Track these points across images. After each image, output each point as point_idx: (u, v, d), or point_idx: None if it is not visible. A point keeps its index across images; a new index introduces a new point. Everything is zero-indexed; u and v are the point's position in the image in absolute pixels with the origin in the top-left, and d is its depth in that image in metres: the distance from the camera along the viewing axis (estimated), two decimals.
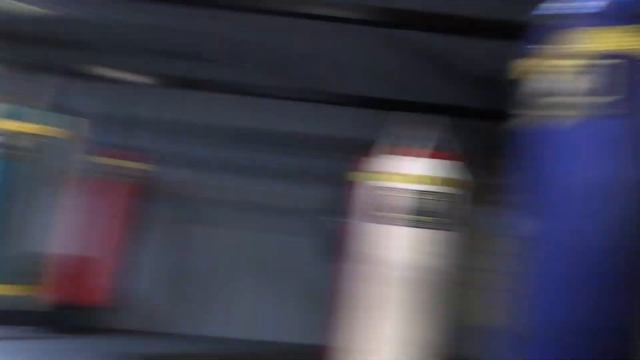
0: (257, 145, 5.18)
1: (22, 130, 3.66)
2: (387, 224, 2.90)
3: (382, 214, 2.90)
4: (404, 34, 3.06)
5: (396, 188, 2.93)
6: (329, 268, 3.57)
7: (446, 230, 2.94)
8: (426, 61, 3.71)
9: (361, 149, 3.49)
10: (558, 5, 1.38)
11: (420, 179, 2.92)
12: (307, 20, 2.79)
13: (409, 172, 2.95)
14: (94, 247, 4.93)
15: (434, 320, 2.93)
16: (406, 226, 2.87)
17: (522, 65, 1.45)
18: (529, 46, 1.44)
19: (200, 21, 3.68)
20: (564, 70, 1.33)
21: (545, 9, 1.41)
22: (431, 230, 2.89)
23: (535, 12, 1.43)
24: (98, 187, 4.88)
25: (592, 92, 1.27)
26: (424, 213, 2.88)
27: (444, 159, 2.99)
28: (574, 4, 1.35)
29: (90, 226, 4.84)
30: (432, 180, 2.89)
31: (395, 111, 3.32)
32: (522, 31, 1.45)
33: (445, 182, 2.94)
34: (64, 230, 4.10)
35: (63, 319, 4.80)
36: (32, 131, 3.66)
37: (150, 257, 5.24)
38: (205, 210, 5.40)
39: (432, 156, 2.98)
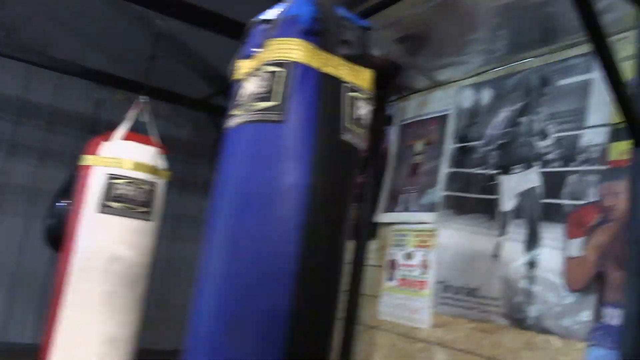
0: None
1: None
2: (95, 211, 2.73)
3: (93, 200, 2.73)
4: (155, 16, 2.91)
5: (106, 173, 2.79)
6: (52, 257, 3.20)
7: (150, 219, 2.89)
8: (173, 49, 3.59)
9: (94, 128, 3.23)
10: (266, 12, 1.46)
11: (126, 165, 2.83)
12: None
13: (116, 157, 2.83)
14: None
15: (136, 312, 2.86)
16: (110, 214, 2.75)
17: (235, 67, 1.50)
18: (242, 49, 1.49)
19: None
20: (250, 74, 1.41)
21: (260, 14, 1.47)
22: (139, 220, 2.82)
23: (254, 17, 1.48)
24: None
25: (262, 98, 1.35)
26: (134, 202, 2.80)
27: (153, 146, 2.96)
28: (270, 13, 1.46)
29: None
30: (137, 167, 2.83)
31: (129, 92, 3.13)
32: (244, 33, 1.50)
33: (151, 169, 2.90)
34: None
35: None
36: None
37: None
38: None
39: (142, 142, 2.92)
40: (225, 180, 1.41)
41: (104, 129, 2.99)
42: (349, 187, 1.41)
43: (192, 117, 4.67)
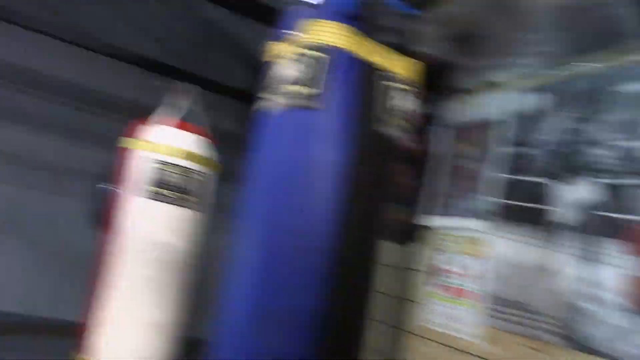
0: (30, 90, 4.44)
1: None
2: (143, 196, 2.74)
3: (140, 185, 2.74)
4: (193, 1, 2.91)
5: (153, 159, 2.78)
6: (96, 237, 3.28)
7: (198, 210, 2.87)
8: (213, 34, 3.58)
9: (137, 113, 3.25)
10: None
11: (178, 153, 2.82)
12: None
13: (165, 143, 2.82)
14: None
15: (177, 300, 2.85)
16: (159, 201, 2.75)
17: (269, 49, 1.43)
18: (275, 31, 1.43)
19: None
20: (287, 57, 1.33)
21: None
22: (183, 208, 2.80)
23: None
24: None
25: (298, 82, 1.27)
26: (170, 188, 2.78)
27: (204, 136, 2.93)
28: None
29: None
30: (189, 156, 2.81)
31: (174, 79, 3.14)
32: (278, 15, 1.44)
33: (202, 160, 2.87)
34: None
35: None
36: None
37: None
38: None
39: (193, 131, 2.90)
40: (259, 168, 1.36)
41: (151, 115, 3.00)
42: (385, 180, 1.34)
43: (240, 108, 4.67)
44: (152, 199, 2.73)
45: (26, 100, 4.44)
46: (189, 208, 2.80)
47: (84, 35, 3.80)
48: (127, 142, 2.90)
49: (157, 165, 2.76)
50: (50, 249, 4.63)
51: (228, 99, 4.14)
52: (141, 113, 3.17)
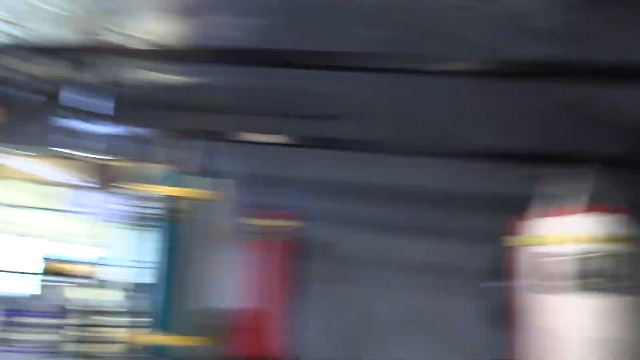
0: (405, 203, 4.91)
1: (179, 194, 3.90)
2: (554, 292, 2.49)
3: (547, 281, 2.50)
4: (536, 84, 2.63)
5: (559, 252, 2.54)
6: (496, 335, 3.17)
7: (621, 294, 2.40)
8: (567, 111, 3.13)
9: (515, 207, 3.05)
10: None
11: (583, 239, 2.50)
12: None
13: (569, 232, 2.56)
14: (262, 303, 5.13)
15: None
16: (575, 293, 2.45)
17: None
18: None
19: (328, 82, 3.63)
20: None
21: None
22: (604, 295, 2.40)
23: None
24: (254, 246, 5.08)
25: None
26: (592, 277, 2.43)
27: (606, 213, 2.49)
28: None
29: (255, 283, 5.03)
30: (597, 239, 2.44)
31: (544, 165, 2.82)
32: None
33: (612, 239, 2.51)
34: (233, 287, 4.30)
35: None
36: (188, 195, 3.89)
37: (310, 314, 5.24)
38: (359, 269, 5.26)
39: (593, 212, 2.51)
40: None
41: (535, 207, 2.77)
42: None
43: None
44: (579, 293, 2.44)
45: (407, 212, 4.91)
46: (622, 294, 2.39)
47: (449, 146, 3.94)
48: (518, 239, 2.75)
49: (577, 257, 2.49)
50: (452, 348, 4.73)
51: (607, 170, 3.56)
52: (515, 206, 2.96)
